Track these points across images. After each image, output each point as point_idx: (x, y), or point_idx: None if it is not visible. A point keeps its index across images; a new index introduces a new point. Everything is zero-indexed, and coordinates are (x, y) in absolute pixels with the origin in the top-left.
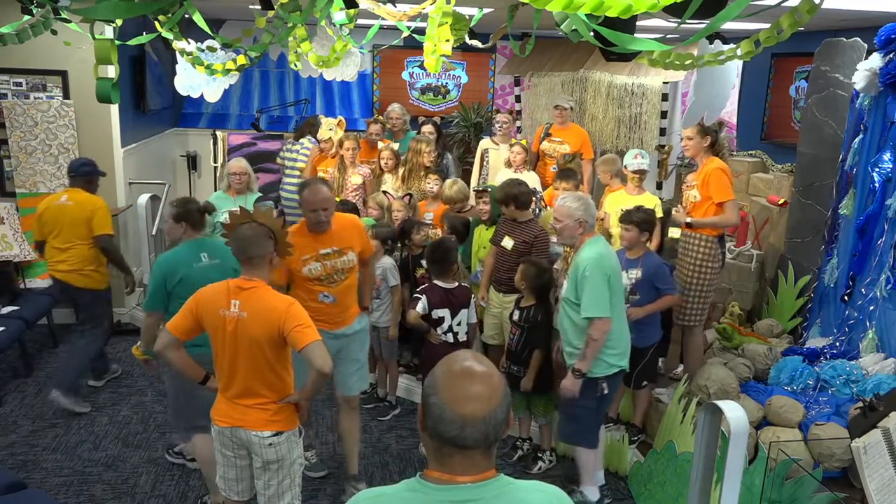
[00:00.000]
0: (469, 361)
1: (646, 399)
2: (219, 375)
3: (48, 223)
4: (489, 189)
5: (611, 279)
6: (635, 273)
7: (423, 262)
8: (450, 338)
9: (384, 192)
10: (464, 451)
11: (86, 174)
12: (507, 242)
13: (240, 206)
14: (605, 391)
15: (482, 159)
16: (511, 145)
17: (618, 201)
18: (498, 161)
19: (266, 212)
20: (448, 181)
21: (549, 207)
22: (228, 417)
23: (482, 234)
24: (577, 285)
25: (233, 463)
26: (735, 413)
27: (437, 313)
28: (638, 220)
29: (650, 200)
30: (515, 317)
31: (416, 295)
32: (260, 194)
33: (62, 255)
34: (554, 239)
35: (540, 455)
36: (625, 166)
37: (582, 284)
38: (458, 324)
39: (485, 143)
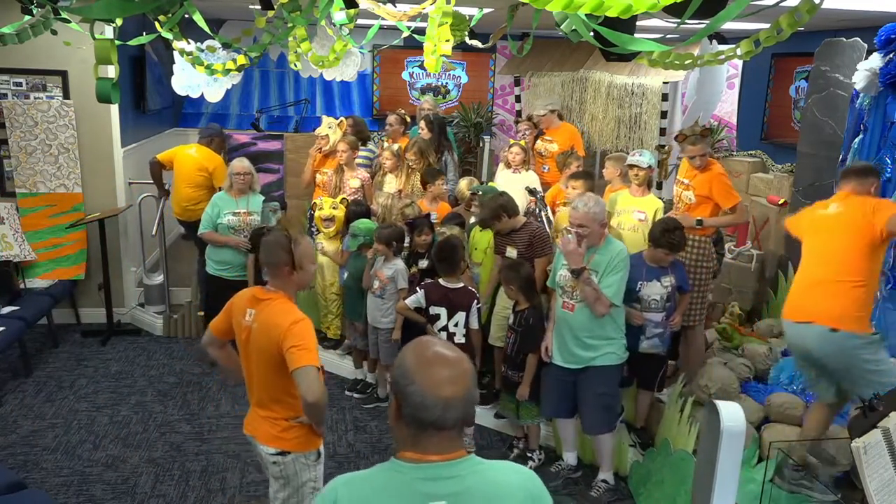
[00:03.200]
0: (438, 347)
1: (650, 401)
2: (246, 381)
3: (175, 163)
4: (479, 192)
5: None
6: (669, 280)
7: (419, 262)
8: (443, 336)
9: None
10: (442, 433)
11: (207, 136)
12: (511, 252)
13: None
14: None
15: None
16: (510, 146)
17: (621, 202)
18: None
19: (295, 223)
20: (465, 179)
21: (548, 207)
22: (247, 424)
23: (476, 236)
24: (606, 275)
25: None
26: (731, 413)
27: (434, 310)
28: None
29: (653, 203)
30: (511, 320)
31: (416, 288)
32: (262, 196)
33: (176, 192)
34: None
35: (529, 455)
36: (629, 165)
37: (615, 273)
38: (455, 325)
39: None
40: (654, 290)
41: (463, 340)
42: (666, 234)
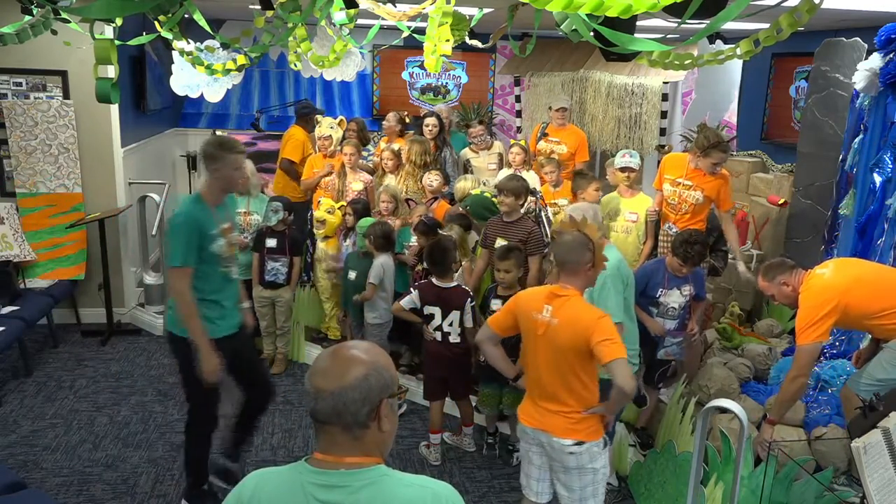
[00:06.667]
0: (345, 345)
1: (653, 402)
2: (526, 375)
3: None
4: (468, 207)
5: (627, 285)
6: (688, 289)
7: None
8: (438, 336)
9: (408, 200)
10: (322, 427)
11: (302, 115)
12: (500, 244)
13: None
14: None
15: (465, 168)
16: (510, 146)
17: (613, 205)
18: (481, 166)
19: (592, 225)
20: (462, 177)
21: (548, 207)
22: (532, 418)
23: None
24: (592, 292)
25: (535, 462)
26: (741, 410)
27: (428, 310)
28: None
29: (644, 202)
30: (497, 307)
31: (411, 288)
32: (265, 196)
33: (277, 175)
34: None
35: (512, 447)
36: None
37: (601, 293)
38: (450, 324)
39: (465, 152)
40: (673, 299)
41: (458, 340)
42: (684, 245)
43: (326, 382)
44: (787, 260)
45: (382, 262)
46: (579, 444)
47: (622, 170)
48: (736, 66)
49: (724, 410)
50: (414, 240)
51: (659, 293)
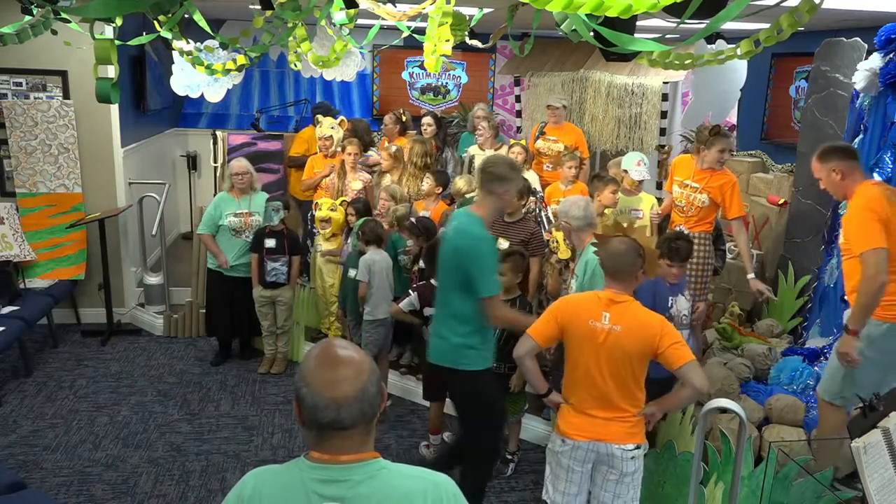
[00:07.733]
0: (331, 348)
1: None
2: (573, 387)
3: None
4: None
5: None
6: (688, 292)
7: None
8: None
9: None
10: (343, 433)
11: (312, 117)
12: (502, 244)
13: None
14: None
15: (470, 164)
16: (510, 146)
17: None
18: None
19: (639, 229)
20: (460, 177)
21: (548, 207)
22: (587, 432)
23: None
24: (582, 285)
25: (577, 479)
26: (741, 410)
27: (428, 311)
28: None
29: (648, 200)
30: None
31: (409, 290)
32: (265, 194)
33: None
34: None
35: (510, 456)
36: (624, 170)
37: (590, 284)
38: None
39: (471, 150)
40: (682, 304)
41: None
42: (667, 241)
43: (344, 390)
44: (854, 150)
45: (367, 257)
46: (638, 447)
47: (639, 181)
48: (741, 67)
49: (724, 410)
50: (410, 242)
51: (671, 303)
